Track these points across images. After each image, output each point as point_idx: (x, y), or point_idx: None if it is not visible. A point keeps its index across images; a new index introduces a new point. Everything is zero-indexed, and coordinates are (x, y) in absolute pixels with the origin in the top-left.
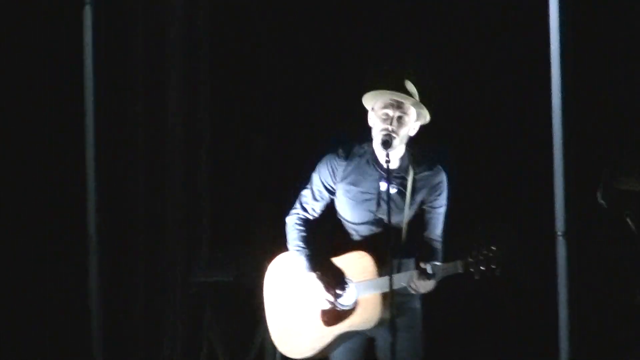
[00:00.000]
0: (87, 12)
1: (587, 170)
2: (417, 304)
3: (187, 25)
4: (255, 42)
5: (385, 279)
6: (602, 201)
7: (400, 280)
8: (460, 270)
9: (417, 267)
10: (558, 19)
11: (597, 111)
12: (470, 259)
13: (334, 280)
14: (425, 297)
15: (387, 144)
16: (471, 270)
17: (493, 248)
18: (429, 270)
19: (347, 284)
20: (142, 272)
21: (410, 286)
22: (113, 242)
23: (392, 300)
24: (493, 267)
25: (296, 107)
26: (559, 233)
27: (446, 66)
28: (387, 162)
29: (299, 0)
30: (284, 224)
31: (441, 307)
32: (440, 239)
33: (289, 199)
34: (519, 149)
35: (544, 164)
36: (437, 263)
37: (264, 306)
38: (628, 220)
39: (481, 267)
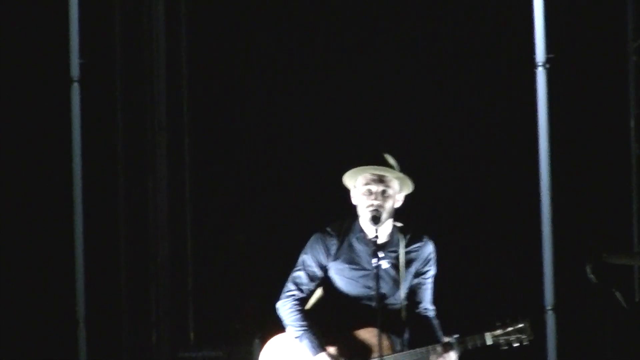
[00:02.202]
0: (75, 89)
1: (576, 244)
2: None
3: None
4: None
5: (402, 355)
6: (591, 275)
7: (418, 355)
8: (488, 342)
9: (439, 341)
10: (546, 102)
11: (585, 185)
12: (499, 330)
13: (347, 358)
14: None
15: (376, 219)
16: (500, 341)
17: (519, 318)
18: (453, 342)
19: None
20: (129, 350)
21: None
22: (99, 321)
23: None
24: (523, 337)
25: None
26: (548, 307)
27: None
28: (376, 237)
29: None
30: (274, 306)
31: None
32: (434, 308)
33: (279, 275)
34: (508, 223)
35: (533, 237)
36: (456, 335)
37: None
38: (617, 294)
39: (511, 338)
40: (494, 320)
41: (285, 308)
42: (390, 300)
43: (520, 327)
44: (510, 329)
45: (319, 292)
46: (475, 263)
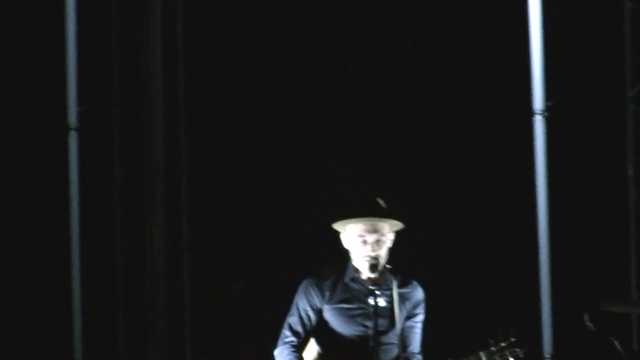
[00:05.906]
0: (72, 138)
1: (574, 293)
2: None
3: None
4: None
5: None
6: (589, 324)
7: None
8: None
9: None
10: (544, 150)
11: (583, 233)
12: (492, 348)
13: None
14: None
15: (374, 267)
16: (496, 358)
17: (512, 333)
18: None
19: None
20: None
21: None
22: None
23: None
24: (518, 350)
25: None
26: (547, 356)
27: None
28: (376, 278)
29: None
30: (272, 354)
31: None
32: (421, 357)
33: (278, 322)
34: (507, 272)
35: (532, 286)
36: None
37: None
38: (616, 343)
39: (506, 353)
40: (487, 340)
41: (283, 355)
42: (386, 339)
43: (513, 342)
44: (503, 344)
45: (317, 349)
46: (473, 312)
